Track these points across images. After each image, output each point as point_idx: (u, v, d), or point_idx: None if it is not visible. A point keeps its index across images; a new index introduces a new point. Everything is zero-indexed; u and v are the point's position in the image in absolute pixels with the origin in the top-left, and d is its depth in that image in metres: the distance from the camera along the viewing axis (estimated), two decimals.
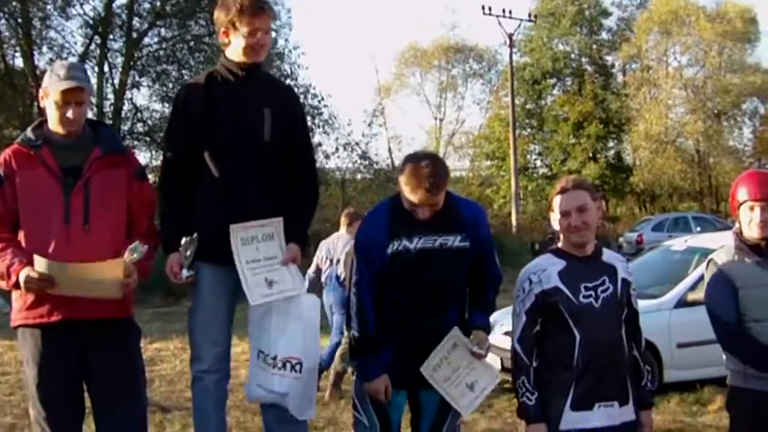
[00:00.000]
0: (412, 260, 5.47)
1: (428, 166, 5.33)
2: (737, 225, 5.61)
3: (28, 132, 5.46)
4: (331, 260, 12.80)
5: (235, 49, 5.78)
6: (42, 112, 5.47)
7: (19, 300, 5.34)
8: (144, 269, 5.44)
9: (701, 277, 9.34)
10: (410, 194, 5.38)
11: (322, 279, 12.93)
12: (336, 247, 12.81)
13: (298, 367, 5.62)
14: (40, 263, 5.03)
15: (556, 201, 5.24)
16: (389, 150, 58.70)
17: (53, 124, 5.39)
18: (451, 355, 5.54)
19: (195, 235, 5.56)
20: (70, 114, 5.32)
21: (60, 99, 5.28)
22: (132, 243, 5.22)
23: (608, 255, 5.39)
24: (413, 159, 5.51)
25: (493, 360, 11.45)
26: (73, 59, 34.18)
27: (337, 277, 12.47)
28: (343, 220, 13.18)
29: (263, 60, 5.92)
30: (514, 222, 48.17)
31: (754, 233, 5.43)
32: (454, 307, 5.72)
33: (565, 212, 5.18)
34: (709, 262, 5.67)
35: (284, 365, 5.61)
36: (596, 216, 5.31)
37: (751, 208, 5.40)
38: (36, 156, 5.32)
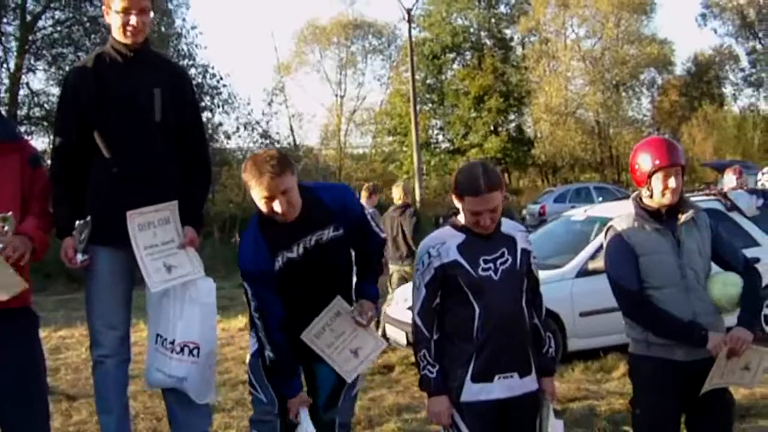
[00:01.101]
0: (299, 267, 5.36)
1: (265, 153, 5.19)
2: (639, 192, 5.66)
3: None
4: None
5: (114, 29, 5.76)
6: None
7: None
8: (41, 242, 5.40)
9: (601, 246, 9.47)
10: (257, 187, 5.14)
11: None
12: None
13: (195, 351, 5.63)
14: None
15: (467, 200, 5.16)
16: (291, 128, 58.36)
17: None
18: (335, 323, 5.47)
19: (88, 218, 5.51)
20: None
21: None
22: None
23: (507, 225, 5.41)
24: (251, 156, 5.32)
25: (398, 334, 11.59)
26: None
27: None
28: (364, 194, 14.80)
29: (142, 40, 5.83)
30: (417, 197, 48.27)
31: (666, 200, 5.48)
32: (343, 286, 5.63)
33: (477, 212, 5.18)
34: (608, 229, 5.72)
35: (182, 350, 5.62)
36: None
37: (666, 175, 5.43)
38: None
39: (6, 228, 5.09)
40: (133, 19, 5.67)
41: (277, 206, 5.16)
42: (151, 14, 5.81)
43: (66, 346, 14.61)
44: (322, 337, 5.46)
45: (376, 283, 5.87)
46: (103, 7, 5.85)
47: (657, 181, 5.48)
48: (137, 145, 5.69)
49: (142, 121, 5.71)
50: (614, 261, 5.63)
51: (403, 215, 14.67)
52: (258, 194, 5.17)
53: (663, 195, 5.48)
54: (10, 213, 5.14)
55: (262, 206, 5.21)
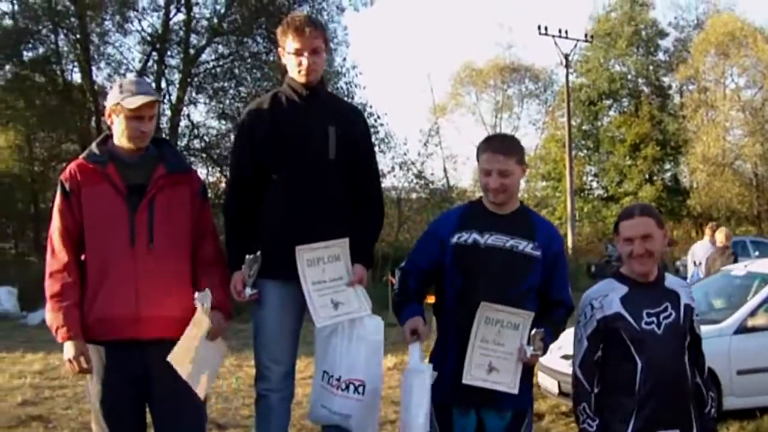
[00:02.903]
0: (480, 255, 5.37)
1: (499, 135, 5.36)
2: None
3: (93, 147, 5.49)
4: (694, 263, 17.32)
5: (290, 69, 5.87)
6: (101, 128, 5.48)
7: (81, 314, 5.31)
8: (225, 309, 5.57)
9: (762, 303, 9.22)
10: (483, 155, 5.49)
11: (688, 278, 17.06)
12: (697, 252, 17.42)
13: (361, 389, 5.59)
14: None
15: (621, 226, 5.19)
16: (444, 170, 58.61)
17: (123, 140, 5.41)
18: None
19: (258, 252, 5.56)
20: (145, 128, 5.37)
21: (135, 114, 5.31)
22: (196, 294, 5.28)
23: (671, 280, 5.35)
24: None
25: (550, 383, 11.45)
26: (131, 75, 34.51)
27: (699, 278, 15.99)
28: (708, 231, 17.43)
29: (317, 80, 5.91)
30: (570, 244, 47.85)
31: None
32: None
33: (629, 239, 5.14)
34: None
35: (347, 387, 5.59)
36: (661, 244, 5.23)
37: None
38: (101, 172, 5.35)
39: (205, 305, 5.28)
40: (305, 60, 5.74)
41: (492, 181, 5.41)
42: (324, 55, 5.89)
43: (216, 375, 14.75)
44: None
45: (554, 335, 5.56)
46: (279, 49, 5.94)
47: None
48: (311, 181, 5.74)
49: (316, 159, 5.76)
50: None
51: (723, 255, 16.14)
52: (482, 164, 5.50)
53: None
54: (208, 292, 5.32)
55: (482, 178, 5.51)
